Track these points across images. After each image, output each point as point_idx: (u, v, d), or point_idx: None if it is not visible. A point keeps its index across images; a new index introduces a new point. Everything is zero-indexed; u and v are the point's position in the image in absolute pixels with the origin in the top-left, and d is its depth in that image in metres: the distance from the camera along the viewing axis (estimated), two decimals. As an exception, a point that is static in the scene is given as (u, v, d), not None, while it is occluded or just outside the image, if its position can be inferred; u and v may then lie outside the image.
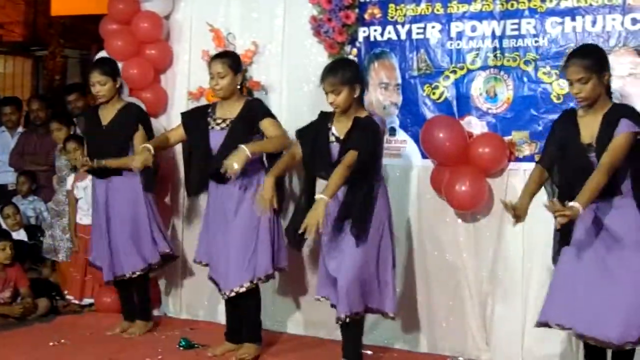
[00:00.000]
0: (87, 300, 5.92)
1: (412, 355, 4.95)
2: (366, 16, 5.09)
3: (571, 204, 3.57)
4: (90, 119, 5.39)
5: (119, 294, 5.46)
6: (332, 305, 4.42)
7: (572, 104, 4.39)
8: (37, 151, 6.73)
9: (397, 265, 4.56)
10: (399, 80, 5.02)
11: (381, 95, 5.08)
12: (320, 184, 4.53)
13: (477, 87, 4.81)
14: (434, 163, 4.87)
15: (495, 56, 4.74)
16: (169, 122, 5.74)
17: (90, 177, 5.47)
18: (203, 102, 5.49)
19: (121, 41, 5.70)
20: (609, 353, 3.91)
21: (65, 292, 6.01)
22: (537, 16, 4.62)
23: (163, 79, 5.85)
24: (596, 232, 3.78)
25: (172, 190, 5.66)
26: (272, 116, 4.78)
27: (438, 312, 4.92)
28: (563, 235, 3.88)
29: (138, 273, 5.24)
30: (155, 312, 5.67)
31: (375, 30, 5.09)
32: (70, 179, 5.90)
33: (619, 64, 4.32)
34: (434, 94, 4.92)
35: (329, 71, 4.37)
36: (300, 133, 4.57)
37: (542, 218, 4.43)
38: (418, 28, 4.95)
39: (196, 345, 5.04)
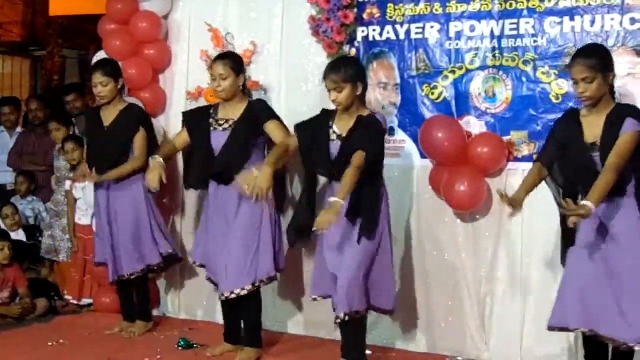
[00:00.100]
0: (85, 300, 5.92)
1: (410, 355, 4.94)
2: (365, 16, 5.09)
3: (583, 202, 3.57)
4: (91, 120, 5.37)
5: (119, 294, 5.46)
6: (333, 309, 4.37)
7: (570, 104, 4.40)
8: (35, 151, 6.72)
9: (395, 265, 4.57)
10: (398, 80, 5.02)
11: (380, 95, 5.07)
12: (320, 184, 4.53)
13: (476, 87, 4.80)
14: (432, 163, 4.86)
15: (493, 56, 4.74)
16: (168, 122, 5.74)
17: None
18: (201, 101, 5.48)
19: (119, 41, 5.69)
20: (609, 353, 3.92)
21: (64, 292, 6.01)
22: (536, 16, 4.62)
23: (161, 78, 5.84)
24: (600, 232, 3.78)
25: (172, 190, 5.65)
26: (277, 117, 4.75)
27: (437, 311, 4.92)
28: (567, 236, 3.89)
29: (137, 274, 5.24)
30: (154, 312, 5.66)
31: (373, 30, 5.08)
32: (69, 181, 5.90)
33: (618, 64, 4.28)
34: (432, 93, 4.92)
35: (331, 68, 4.34)
36: (299, 127, 4.53)
37: (541, 218, 4.44)
38: (417, 28, 4.95)
39: (195, 345, 5.03)
